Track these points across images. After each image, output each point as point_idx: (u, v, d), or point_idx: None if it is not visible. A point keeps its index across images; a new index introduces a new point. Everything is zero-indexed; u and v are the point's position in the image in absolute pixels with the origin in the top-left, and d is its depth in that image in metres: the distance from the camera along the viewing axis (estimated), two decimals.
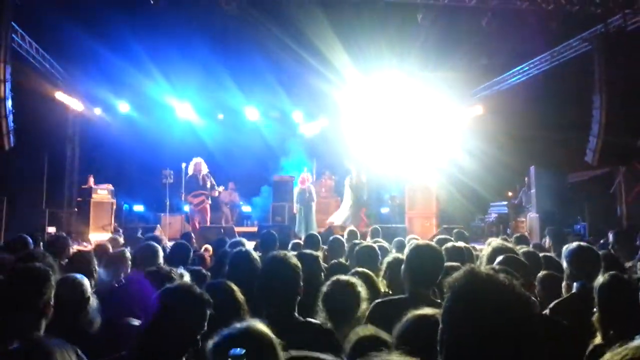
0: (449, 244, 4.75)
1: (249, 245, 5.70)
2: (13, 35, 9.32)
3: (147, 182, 13.81)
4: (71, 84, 13.28)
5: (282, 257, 2.69)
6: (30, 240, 5.44)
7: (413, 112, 14.10)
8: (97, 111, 14.30)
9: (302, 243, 6.48)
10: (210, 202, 12.32)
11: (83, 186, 12.51)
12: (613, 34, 9.92)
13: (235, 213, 15.51)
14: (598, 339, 2.65)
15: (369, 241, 6.27)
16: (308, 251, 4.08)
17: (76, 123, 14.08)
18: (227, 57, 12.08)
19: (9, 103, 8.57)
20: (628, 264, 4.93)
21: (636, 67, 9.34)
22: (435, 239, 5.70)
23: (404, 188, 13.23)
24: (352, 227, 8.15)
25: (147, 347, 2.29)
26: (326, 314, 2.96)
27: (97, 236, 11.01)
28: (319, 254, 4.64)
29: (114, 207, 12.25)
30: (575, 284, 3.37)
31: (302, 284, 2.68)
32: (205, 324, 2.21)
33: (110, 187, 12.29)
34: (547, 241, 7.41)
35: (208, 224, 12.01)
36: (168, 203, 12.21)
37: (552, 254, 4.95)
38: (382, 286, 3.77)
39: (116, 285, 3.91)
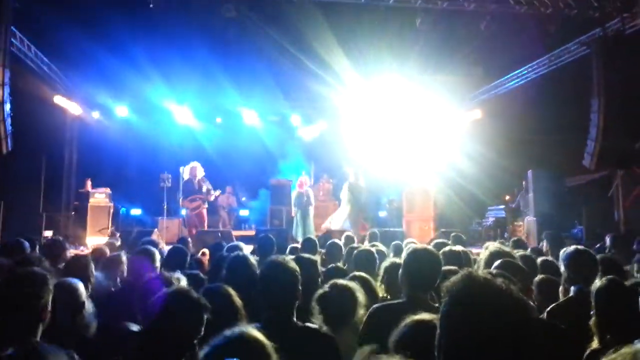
0: (447, 248, 4.74)
1: (247, 249, 5.69)
2: (12, 38, 9.31)
3: (145, 186, 13.78)
4: (70, 87, 13.27)
5: (281, 262, 2.68)
6: (27, 244, 5.42)
7: (412, 116, 14.10)
8: (96, 115, 14.26)
9: (299, 247, 6.48)
10: (206, 206, 12.31)
11: (80, 190, 12.47)
12: (611, 37, 9.94)
13: (232, 217, 15.50)
14: (595, 344, 2.65)
15: (366, 245, 6.27)
16: (306, 255, 4.07)
17: (74, 126, 14.04)
18: (225, 60, 12.07)
19: (7, 106, 8.56)
20: (625, 268, 4.93)
21: (634, 71, 9.34)
22: (432, 243, 5.70)
23: (402, 191, 13.24)
24: (349, 233, 8.13)
25: (144, 351, 2.29)
26: (323, 317, 2.96)
27: (95, 240, 10.98)
28: (317, 258, 4.64)
29: (112, 210, 12.23)
30: (572, 287, 3.37)
31: (300, 288, 2.67)
32: (203, 328, 2.21)
33: (107, 190, 12.27)
34: (544, 245, 7.42)
35: (205, 228, 12.00)
36: (166, 207, 12.19)
37: (551, 258, 4.94)
38: (380, 291, 3.76)
39: (113, 289, 3.91)
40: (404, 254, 3.12)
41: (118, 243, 7.59)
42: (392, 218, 13.81)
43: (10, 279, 2.47)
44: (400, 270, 2.99)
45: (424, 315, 1.94)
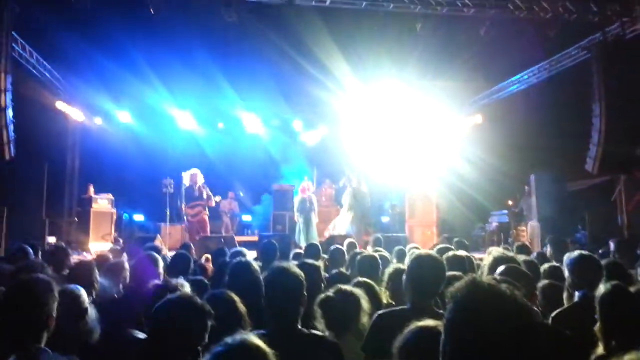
0: (450, 253, 4.74)
1: (250, 255, 5.68)
2: (13, 44, 9.34)
3: (147, 192, 13.77)
4: (71, 93, 13.30)
5: (285, 268, 2.68)
6: (31, 250, 5.43)
7: (412, 121, 14.11)
8: (98, 120, 14.27)
9: (302, 252, 6.47)
10: (207, 212, 12.30)
11: (83, 196, 12.48)
12: (611, 42, 9.96)
13: (235, 222, 15.47)
14: (600, 350, 2.63)
15: (369, 250, 6.26)
16: (309, 261, 4.07)
17: (76, 132, 14.06)
18: (227, 65, 12.10)
19: (10, 112, 8.58)
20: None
21: (635, 75, 9.36)
22: (436, 248, 5.69)
23: (404, 197, 13.22)
24: (351, 240, 8.11)
25: (148, 358, 2.28)
26: (325, 321, 2.95)
27: (97, 246, 10.99)
28: (320, 263, 4.63)
29: (114, 216, 12.24)
30: (577, 293, 3.36)
31: (305, 294, 2.67)
32: (207, 335, 2.21)
33: (110, 196, 12.27)
34: (548, 250, 7.40)
35: (208, 234, 11.99)
36: (168, 213, 12.19)
37: (557, 264, 4.92)
38: (385, 297, 3.75)
39: (116, 295, 3.90)
40: (407, 260, 3.12)
41: (121, 249, 7.58)
42: (395, 223, 13.80)
43: (14, 286, 2.47)
44: (404, 277, 2.99)
45: (429, 322, 1.94)
